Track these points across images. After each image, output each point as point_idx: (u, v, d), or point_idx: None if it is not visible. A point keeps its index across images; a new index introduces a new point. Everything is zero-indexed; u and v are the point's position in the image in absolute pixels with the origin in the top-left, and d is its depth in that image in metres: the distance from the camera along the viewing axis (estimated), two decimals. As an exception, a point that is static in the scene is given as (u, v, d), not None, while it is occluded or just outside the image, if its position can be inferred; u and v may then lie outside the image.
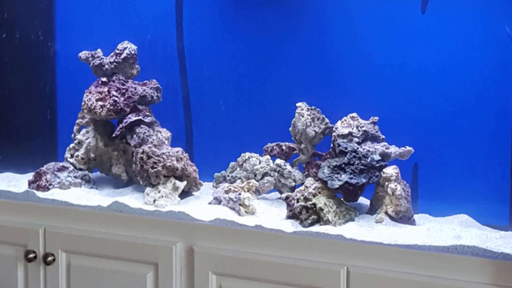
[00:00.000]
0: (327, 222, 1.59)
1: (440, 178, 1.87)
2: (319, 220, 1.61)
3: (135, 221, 1.67)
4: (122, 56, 2.08)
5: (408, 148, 1.78)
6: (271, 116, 2.22)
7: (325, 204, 1.61)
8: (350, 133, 1.86)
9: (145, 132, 1.99)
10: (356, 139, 1.85)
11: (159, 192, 1.78)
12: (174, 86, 2.35)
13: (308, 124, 1.94)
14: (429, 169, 1.96)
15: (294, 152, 2.03)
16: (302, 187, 1.72)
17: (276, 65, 2.21)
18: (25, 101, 2.27)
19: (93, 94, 2.03)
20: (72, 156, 2.07)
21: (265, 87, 2.24)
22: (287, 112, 2.05)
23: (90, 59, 2.11)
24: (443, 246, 1.40)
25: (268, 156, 2.03)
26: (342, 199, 1.68)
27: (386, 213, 1.66)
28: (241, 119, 2.29)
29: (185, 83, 2.34)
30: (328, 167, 1.69)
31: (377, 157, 1.73)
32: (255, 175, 1.97)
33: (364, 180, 1.67)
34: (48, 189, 1.86)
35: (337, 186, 1.64)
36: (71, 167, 2.03)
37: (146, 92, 2.10)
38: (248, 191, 1.83)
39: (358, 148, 1.75)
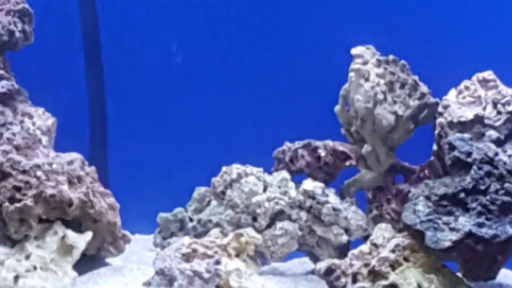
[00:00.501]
0: (427, 330, 1.58)
1: None
2: (406, 324, 1.60)
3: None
4: None
5: None
6: (289, 81, 2.22)
7: (419, 286, 1.62)
8: (478, 118, 1.85)
9: (-6, 117, 1.92)
10: (493, 134, 1.84)
11: (27, 258, 1.77)
12: (65, 11, 2.33)
13: (380, 97, 1.89)
14: None
15: (347, 162, 1.97)
16: (365, 246, 1.70)
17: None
18: None
19: None
20: None
21: (275, 19, 2.26)
22: (326, 70, 2.06)
23: None
24: None
25: (284, 173, 1.97)
26: (459, 274, 1.68)
27: None
28: (221, 87, 2.26)
29: (91, 5, 2.33)
30: (427, 198, 1.69)
31: (544, 175, 1.66)
32: (255, 218, 1.93)
33: (512, 231, 1.67)
34: None
35: (448, 244, 1.63)
36: None
37: (-1, 23, 2.04)
38: (237, 255, 1.79)
39: (498, 154, 1.71)
